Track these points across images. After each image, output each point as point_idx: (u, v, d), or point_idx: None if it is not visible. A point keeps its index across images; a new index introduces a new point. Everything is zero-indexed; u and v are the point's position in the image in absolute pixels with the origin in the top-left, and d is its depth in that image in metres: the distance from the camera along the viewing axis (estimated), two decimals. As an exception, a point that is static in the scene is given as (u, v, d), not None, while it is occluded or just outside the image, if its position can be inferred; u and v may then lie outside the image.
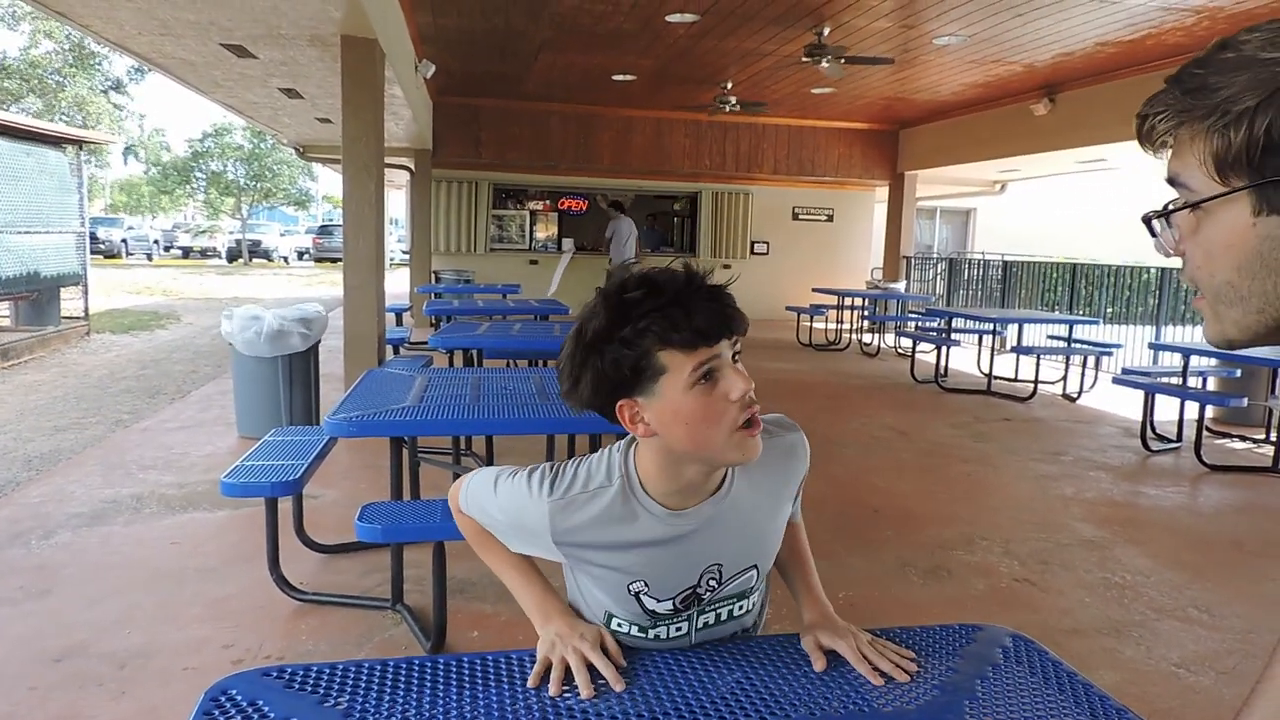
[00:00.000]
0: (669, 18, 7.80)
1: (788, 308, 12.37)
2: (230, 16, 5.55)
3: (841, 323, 12.13)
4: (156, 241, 33.76)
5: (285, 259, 34.29)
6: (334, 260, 28.33)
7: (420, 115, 10.21)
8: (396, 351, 7.46)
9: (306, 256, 34.73)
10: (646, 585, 1.30)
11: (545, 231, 14.38)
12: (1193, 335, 9.43)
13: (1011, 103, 10.88)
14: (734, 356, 1.20)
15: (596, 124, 13.05)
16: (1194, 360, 6.49)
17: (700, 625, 1.38)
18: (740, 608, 1.40)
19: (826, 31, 7.97)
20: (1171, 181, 0.80)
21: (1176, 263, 0.84)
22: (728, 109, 10.93)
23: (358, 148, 5.95)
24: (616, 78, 10.68)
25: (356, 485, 4.73)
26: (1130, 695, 2.80)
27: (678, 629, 1.36)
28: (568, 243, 14.10)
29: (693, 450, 1.21)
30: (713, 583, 1.34)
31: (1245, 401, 6.01)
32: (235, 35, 6.08)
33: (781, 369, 9.66)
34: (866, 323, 12.27)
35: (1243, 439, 6.63)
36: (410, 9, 7.78)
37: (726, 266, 14.60)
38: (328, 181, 43.45)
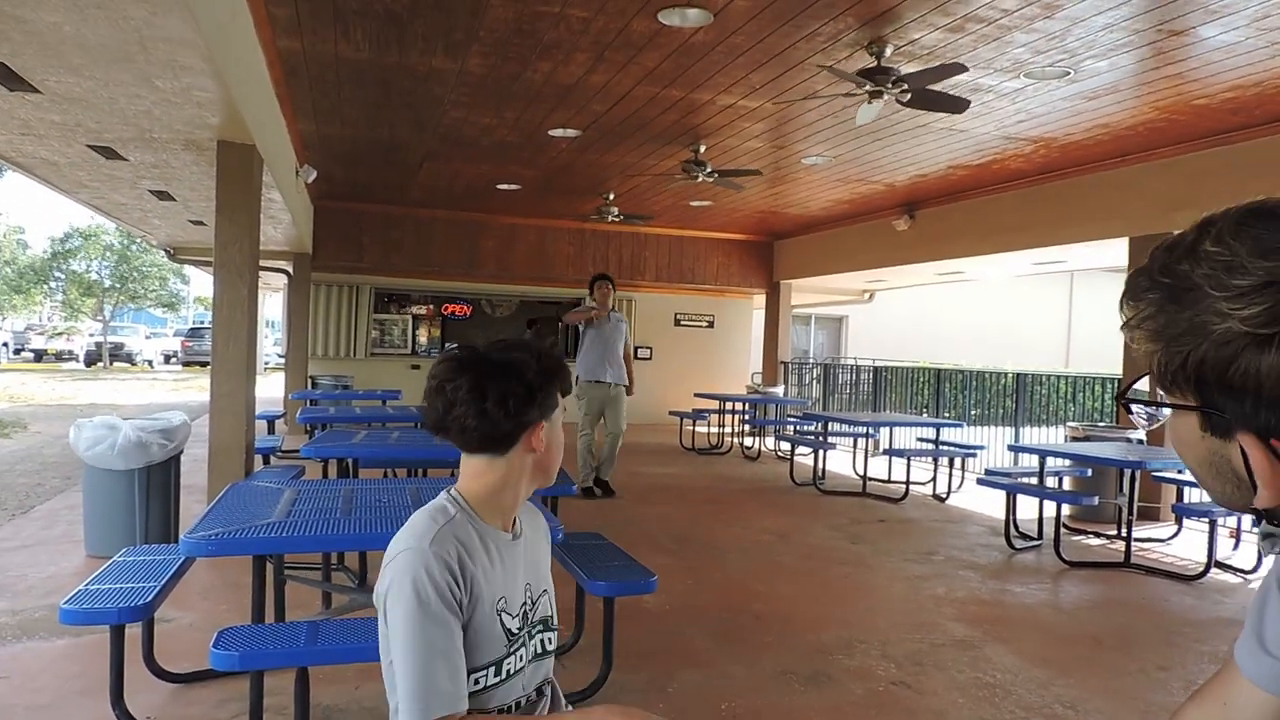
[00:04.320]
0: (551, 132, 8.05)
1: (670, 412, 12.54)
2: (99, 119, 5.42)
3: (723, 426, 12.35)
4: (5, 344, 31.71)
5: (150, 362, 32.72)
6: (203, 364, 27.13)
7: (300, 219, 10.09)
8: (267, 461, 7.15)
9: (174, 360, 33.23)
10: (505, 601, 1.55)
11: (427, 336, 14.25)
12: (1049, 436, 10.01)
13: (876, 218, 11.60)
14: None
15: (481, 231, 13.19)
16: (1050, 461, 6.87)
17: (530, 656, 1.60)
18: (548, 640, 1.66)
19: (702, 149, 8.38)
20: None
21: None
22: (610, 219, 11.26)
23: (231, 252, 5.82)
24: (501, 187, 10.88)
25: (216, 606, 4.44)
26: (1003, 797, 2.84)
27: (519, 660, 1.57)
28: (452, 348, 13.99)
29: (550, 467, 1.65)
30: (530, 597, 1.62)
31: (1097, 500, 6.38)
32: (104, 138, 5.93)
33: (664, 473, 9.71)
34: (747, 426, 12.53)
35: (1097, 535, 7.00)
36: (292, 116, 7.78)
37: (611, 371, 14.76)
38: (200, 282, 42.06)
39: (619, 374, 8.09)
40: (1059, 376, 13.32)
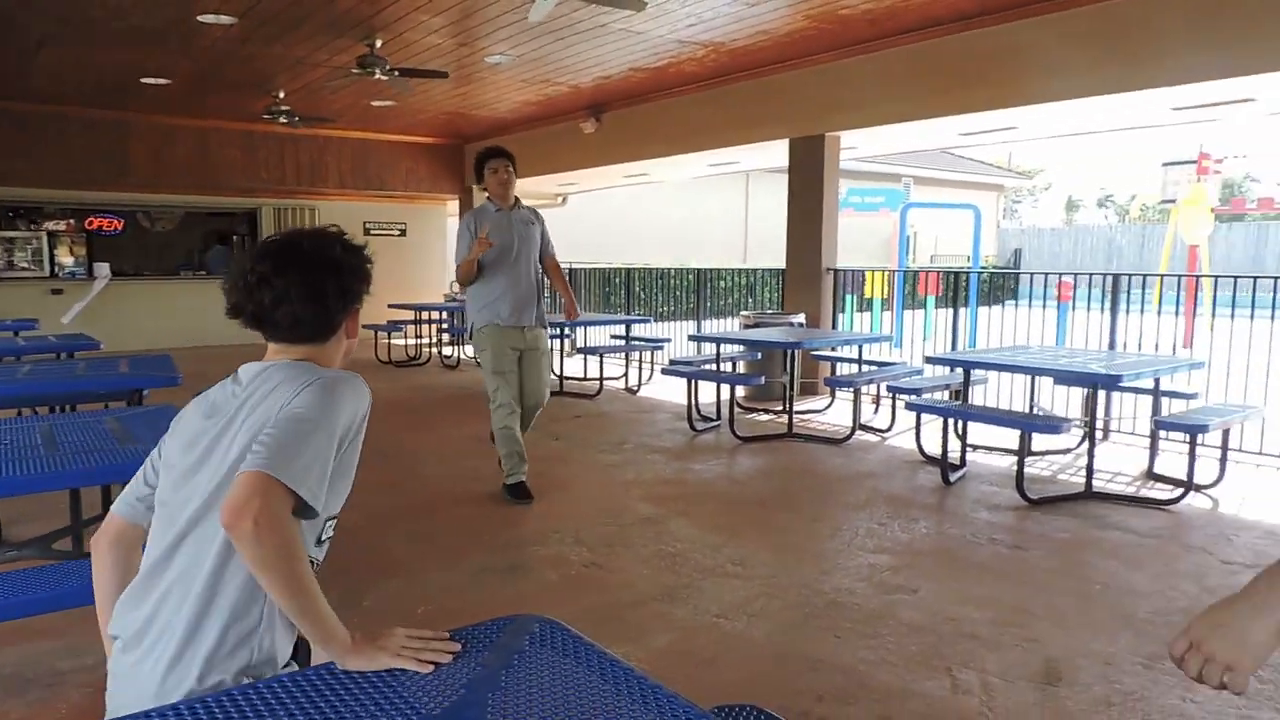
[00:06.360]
0: (201, 18, 7.15)
1: (364, 326, 12.04)
2: None
3: (420, 337, 12.08)
4: None
5: None
6: None
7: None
8: None
9: None
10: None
11: (71, 255, 12.43)
12: (731, 325, 10.85)
13: (564, 120, 11.64)
14: None
15: (128, 132, 11.58)
16: (725, 348, 7.46)
17: None
18: None
19: (379, 44, 7.87)
20: None
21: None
22: (282, 121, 10.34)
23: None
24: (148, 81, 9.57)
25: None
26: (680, 651, 3.13)
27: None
28: (102, 268, 12.35)
29: (352, 350, 1.77)
30: None
31: (763, 379, 7.03)
32: None
33: (362, 388, 9.35)
34: (446, 335, 12.34)
35: (767, 411, 7.76)
36: None
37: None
38: None
39: (539, 307, 5.09)
40: (739, 271, 14.44)
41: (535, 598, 3.63)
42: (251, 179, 12.62)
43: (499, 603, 3.57)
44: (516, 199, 5.10)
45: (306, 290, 1.58)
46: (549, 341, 5.09)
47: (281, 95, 10.06)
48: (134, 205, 12.78)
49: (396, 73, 8.10)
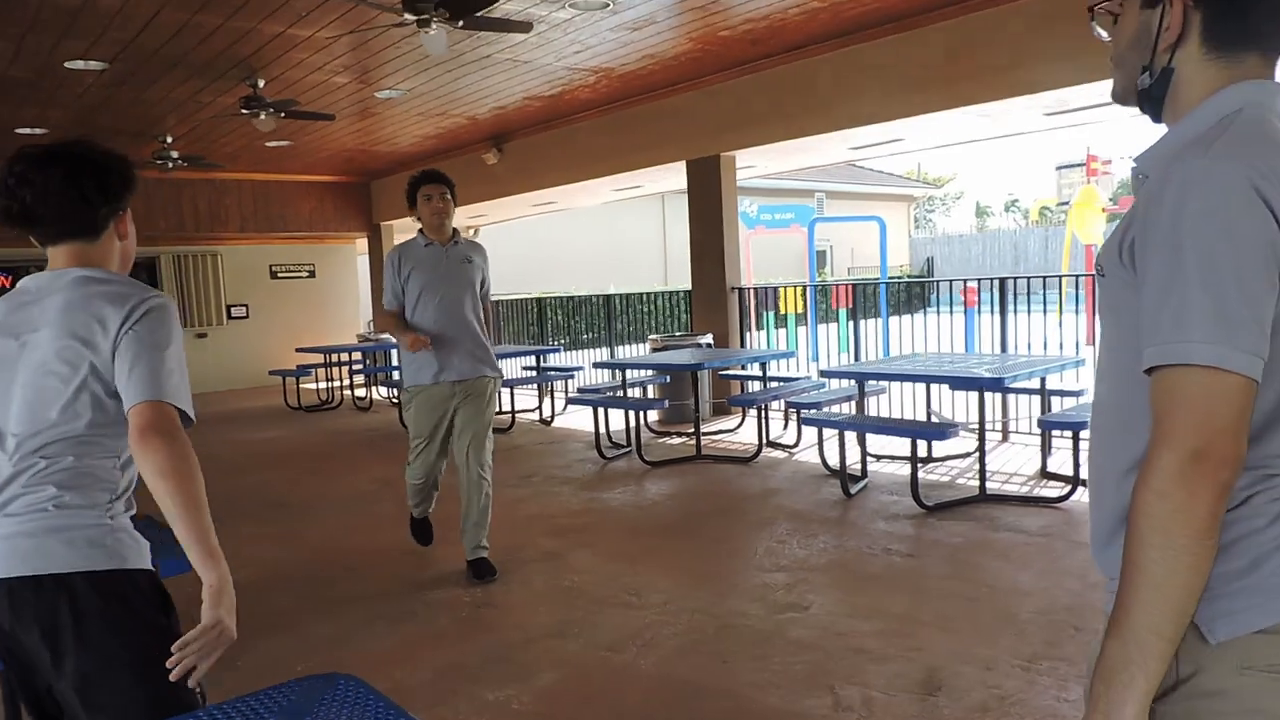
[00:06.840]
0: (69, 64, 6.91)
1: (271, 372, 11.72)
2: None
3: (333, 380, 11.80)
4: None
5: None
6: None
7: None
8: None
9: None
10: None
11: (-45, 315, 11.85)
12: (637, 351, 10.83)
13: (467, 152, 11.56)
14: None
15: (10, 185, 11.11)
16: (637, 373, 7.42)
17: None
18: None
19: (261, 84, 7.71)
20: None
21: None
22: (172, 166, 10.04)
23: None
24: (22, 131, 9.21)
25: None
26: (565, 689, 3.05)
27: None
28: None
29: (130, 255, 1.81)
30: None
31: (667, 403, 7.01)
32: None
33: (265, 437, 9.08)
34: (360, 377, 12.10)
35: (679, 434, 7.73)
36: None
37: (202, 335, 13.40)
38: None
39: (475, 358, 4.23)
40: (655, 294, 14.46)
41: (421, 644, 3.51)
42: (149, 227, 12.21)
43: (384, 652, 3.45)
44: (456, 232, 4.37)
45: (67, 184, 1.64)
46: (496, 387, 4.34)
47: (169, 140, 9.78)
48: (26, 260, 12.23)
49: (283, 114, 7.95)
